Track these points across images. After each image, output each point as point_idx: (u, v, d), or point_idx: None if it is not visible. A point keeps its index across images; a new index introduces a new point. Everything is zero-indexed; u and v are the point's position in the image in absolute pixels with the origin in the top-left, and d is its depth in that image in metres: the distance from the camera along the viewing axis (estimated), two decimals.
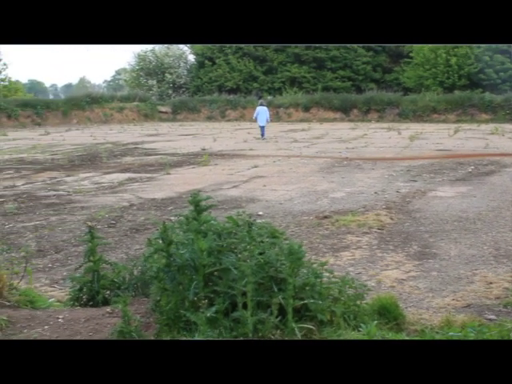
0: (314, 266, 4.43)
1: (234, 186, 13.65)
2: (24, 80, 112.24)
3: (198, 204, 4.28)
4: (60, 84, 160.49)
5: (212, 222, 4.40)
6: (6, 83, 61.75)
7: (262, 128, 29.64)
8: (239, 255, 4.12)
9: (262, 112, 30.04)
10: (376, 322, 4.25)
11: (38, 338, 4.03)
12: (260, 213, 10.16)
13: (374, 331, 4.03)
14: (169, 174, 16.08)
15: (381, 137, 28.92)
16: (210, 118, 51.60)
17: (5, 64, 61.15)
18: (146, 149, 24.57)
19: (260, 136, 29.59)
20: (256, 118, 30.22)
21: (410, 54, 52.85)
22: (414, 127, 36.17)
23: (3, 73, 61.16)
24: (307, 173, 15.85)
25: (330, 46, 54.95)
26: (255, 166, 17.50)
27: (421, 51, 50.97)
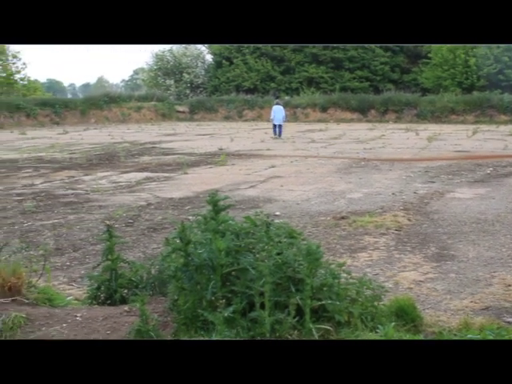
0: (332, 266, 4.42)
1: (252, 186, 13.65)
2: (43, 79, 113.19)
3: (216, 204, 4.29)
4: (78, 83, 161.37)
5: (230, 221, 4.40)
6: (25, 82, 62.23)
7: (280, 127, 29.77)
8: (257, 255, 4.12)
9: (278, 111, 30.17)
10: (393, 323, 4.23)
11: (57, 338, 4.06)
12: (277, 213, 10.14)
13: (391, 333, 4.02)
14: (186, 173, 16.11)
15: (398, 138, 28.80)
16: (227, 118, 51.63)
17: (24, 63, 61.67)
18: (163, 148, 24.63)
19: (273, 134, 29.76)
20: (273, 119, 30.32)
21: (429, 55, 52.56)
22: (432, 128, 35.99)
23: (22, 72, 61.71)
24: (324, 173, 15.82)
25: (348, 46, 54.81)
26: (272, 166, 17.49)
27: (439, 52, 50.67)
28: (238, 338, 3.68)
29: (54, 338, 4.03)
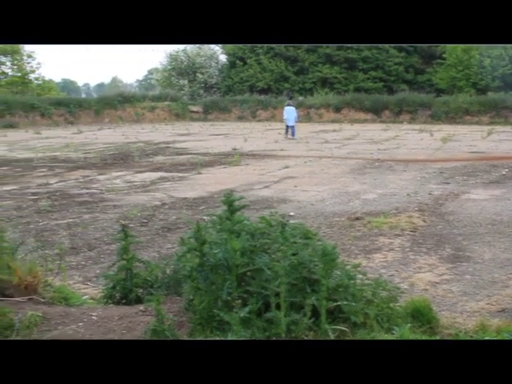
0: (348, 267, 4.40)
1: (266, 187, 13.65)
2: (57, 79, 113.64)
3: (231, 204, 4.28)
4: (92, 83, 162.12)
5: (245, 222, 4.40)
6: (40, 82, 62.59)
7: (292, 128, 29.82)
8: (272, 255, 4.12)
9: (290, 112, 30.22)
10: (409, 324, 4.21)
11: (73, 337, 4.07)
12: (291, 213, 10.13)
13: (407, 334, 4.00)
14: (200, 173, 16.14)
15: (413, 138, 28.68)
16: (240, 118, 51.64)
17: (38, 63, 62.16)
18: (177, 148, 24.69)
19: (285, 135, 29.83)
20: (286, 119, 30.37)
21: (443, 55, 52.29)
22: (447, 129, 35.80)
23: (37, 72, 62.08)
24: (338, 174, 15.79)
25: (362, 46, 54.61)
26: (286, 167, 17.48)
27: (454, 52, 50.40)
28: (253, 338, 3.67)
29: (70, 338, 4.04)
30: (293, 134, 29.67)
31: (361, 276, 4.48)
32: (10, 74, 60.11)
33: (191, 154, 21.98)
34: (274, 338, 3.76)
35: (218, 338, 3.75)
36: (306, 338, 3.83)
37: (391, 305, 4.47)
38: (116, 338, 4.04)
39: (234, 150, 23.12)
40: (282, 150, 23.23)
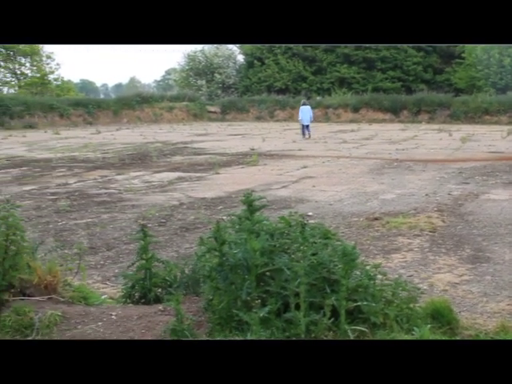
0: (367, 267, 4.38)
1: (284, 187, 13.64)
2: (76, 80, 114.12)
3: (251, 204, 4.28)
4: (111, 84, 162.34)
5: (264, 222, 4.39)
6: (59, 83, 62.88)
7: (307, 127, 29.83)
8: (292, 255, 4.11)
9: (306, 111, 30.23)
10: (429, 325, 4.18)
11: (92, 336, 4.08)
12: (310, 213, 10.11)
13: (427, 335, 3.97)
14: (218, 173, 16.15)
15: (431, 138, 28.51)
16: (258, 118, 51.56)
17: (57, 64, 62.38)
18: (195, 148, 24.72)
19: (302, 136, 29.80)
20: (302, 119, 30.36)
21: (462, 55, 51.94)
22: (466, 129, 35.52)
23: (56, 73, 62.38)
24: (357, 174, 15.74)
25: (380, 46, 54.37)
26: (304, 167, 17.45)
27: (473, 52, 50.03)
28: (273, 338, 3.66)
29: (90, 337, 4.06)
30: (308, 134, 29.69)
31: (380, 276, 4.46)
32: (30, 74, 60.51)
33: (209, 154, 22.02)
34: (293, 338, 3.75)
35: (237, 338, 3.75)
36: (325, 339, 3.82)
37: (411, 305, 4.45)
38: (135, 338, 4.05)
39: (252, 150, 23.11)
40: (299, 150, 23.20)
